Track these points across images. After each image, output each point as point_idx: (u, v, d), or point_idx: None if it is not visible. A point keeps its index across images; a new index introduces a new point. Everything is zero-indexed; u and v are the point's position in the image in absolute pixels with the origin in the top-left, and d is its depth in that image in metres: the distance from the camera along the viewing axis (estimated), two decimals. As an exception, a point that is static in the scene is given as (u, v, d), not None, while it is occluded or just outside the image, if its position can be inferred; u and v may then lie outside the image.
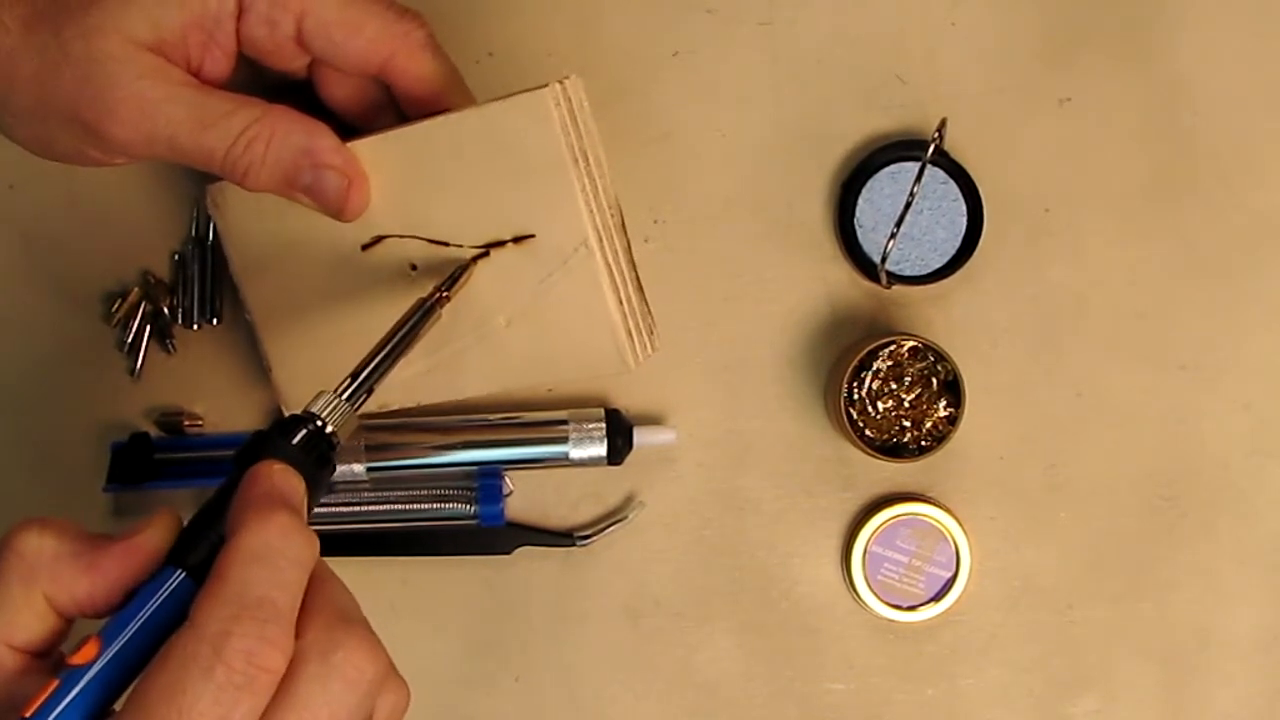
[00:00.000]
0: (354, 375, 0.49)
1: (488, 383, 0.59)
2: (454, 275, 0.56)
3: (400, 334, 0.51)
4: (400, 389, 0.60)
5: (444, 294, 0.54)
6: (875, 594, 0.67)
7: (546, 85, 0.54)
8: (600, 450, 0.65)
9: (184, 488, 0.64)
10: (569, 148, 0.54)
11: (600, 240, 0.56)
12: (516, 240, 0.56)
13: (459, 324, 0.58)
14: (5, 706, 0.40)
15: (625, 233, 0.57)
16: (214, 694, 0.37)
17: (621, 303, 0.57)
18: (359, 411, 0.48)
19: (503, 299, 0.57)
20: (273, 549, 0.40)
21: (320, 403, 0.46)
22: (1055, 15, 0.67)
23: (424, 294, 0.54)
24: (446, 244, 0.57)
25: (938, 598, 0.67)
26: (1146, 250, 0.68)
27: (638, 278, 0.58)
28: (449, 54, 0.57)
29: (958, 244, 0.66)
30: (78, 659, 0.40)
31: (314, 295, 0.60)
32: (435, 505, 0.66)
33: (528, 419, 0.65)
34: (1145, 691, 0.68)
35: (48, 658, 0.42)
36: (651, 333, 0.59)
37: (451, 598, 0.68)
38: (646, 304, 0.59)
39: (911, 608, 0.67)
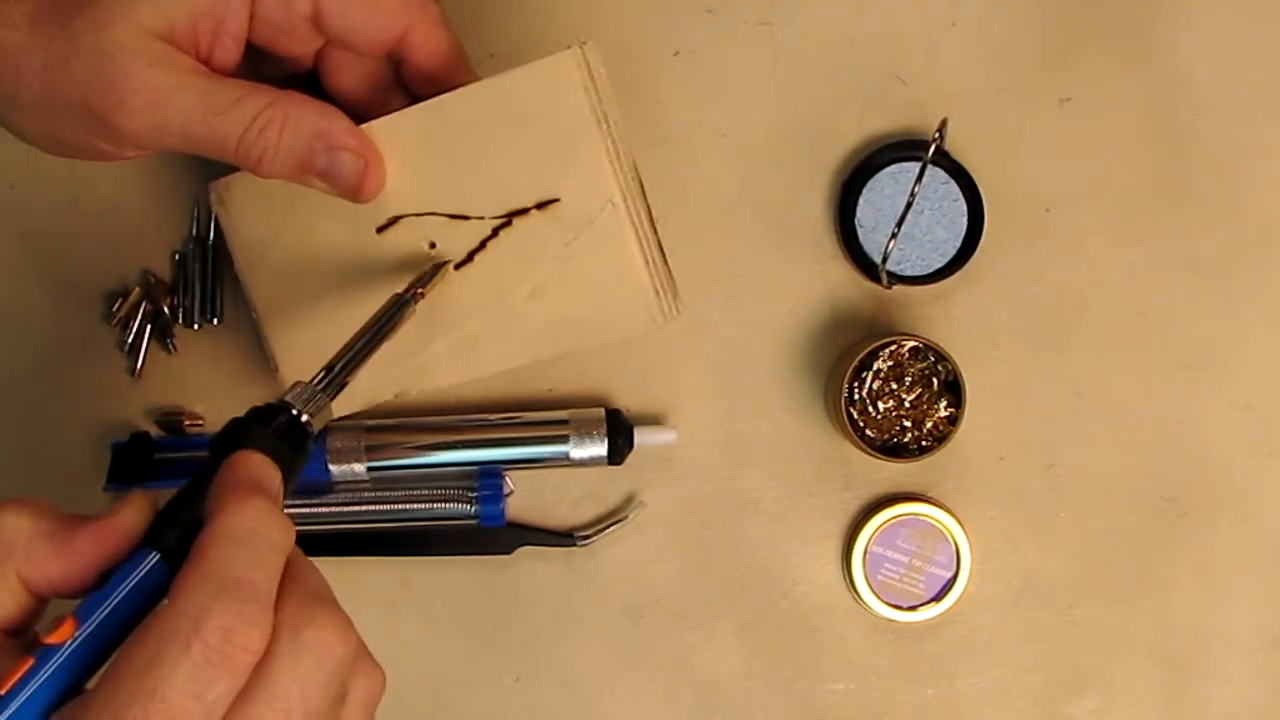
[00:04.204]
0: (329, 367, 0.49)
1: (512, 358, 0.59)
2: (429, 274, 0.56)
3: (375, 329, 0.52)
4: (421, 372, 0.60)
5: (419, 291, 0.54)
6: (875, 594, 0.67)
7: (569, 48, 0.54)
8: (600, 450, 0.65)
9: (184, 487, 0.64)
10: (592, 108, 0.55)
11: (625, 198, 0.56)
12: (540, 206, 0.56)
13: (480, 300, 0.58)
14: None
15: (645, 197, 0.57)
16: (190, 670, 0.37)
17: (648, 262, 0.57)
18: (335, 400, 0.49)
19: (526, 269, 0.57)
20: (251, 531, 0.40)
21: (295, 392, 0.47)
22: (1055, 15, 0.67)
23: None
24: (467, 217, 0.57)
25: (938, 598, 0.67)
26: (1146, 250, 0.68)
27: (659, 241, 0.58)
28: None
29: (958, 244, 0.66)
30: (54, 638, 0.40)
31: (323, 288, 0.59)
32: (435, 505, 0.66)
33: (528, 419, 0.65)
34: (1145, 691, 0.68)
35: (22, 636, 0.42)
36: (676, 294, 0.59)
37: (451, 598, 0.68)
38: (669, 268, 0.59)
39: (911, 608, 0.67)
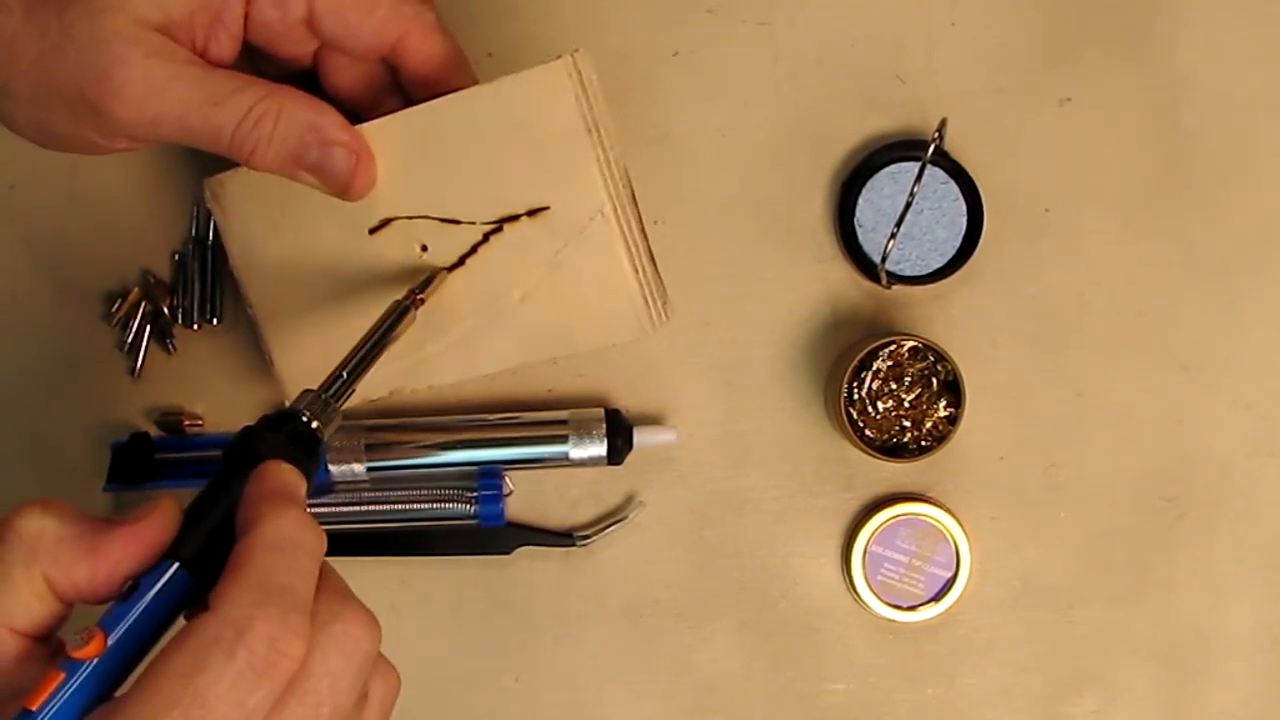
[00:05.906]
0: (336, 375, 0.49)
1: (503, 359, 0.59)
2: (427, 280, 0.56)
3: (377, 336, 0.52)
4: (415, 371, 0.60)
5: (418, 298, 0.55)
6: (875, 594, 0.67)
7: (560, 57, 0.54)
8: (600, 450, 0.65)
9: (184, 487, 0.64)
10: (583, 117, 0.55)
11: (615, 208, 0.56)
12: (531, 214, 0.56)
13: (472, 303, 0.58)
14: (5, 693, 0.40)
15: (636, 204, 0.58)
16: (233, 677, 0.37)
17: (637, 271, 0.57)
18: (343, 406, 0.49)
19: (517, 274, 0.57)
20: (291, 540, 0.40)
21: (305, 400, 0.47)
22: (1055, 15, 0.67)
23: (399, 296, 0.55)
24: (458, 221, 0.57)
25: (938, 598, 0.67)
26: (1146, 250, 0.68)
27: (649, 248, 0.58)
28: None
29: (958, 244, 0.66)
30: (84, 653, 0.39)
31: (317, 286, 0.60)
32: (435, 505, 0.66)
33: (528, 419, 0.65)
34: (1145, 691, 0.68)
35: (47, 643, 0.42)
36: (665, 301, 0.59)
37: (451, 598, 0.68)
38: (659, 274, 0.59)
39: (911, 608, 0.67)
